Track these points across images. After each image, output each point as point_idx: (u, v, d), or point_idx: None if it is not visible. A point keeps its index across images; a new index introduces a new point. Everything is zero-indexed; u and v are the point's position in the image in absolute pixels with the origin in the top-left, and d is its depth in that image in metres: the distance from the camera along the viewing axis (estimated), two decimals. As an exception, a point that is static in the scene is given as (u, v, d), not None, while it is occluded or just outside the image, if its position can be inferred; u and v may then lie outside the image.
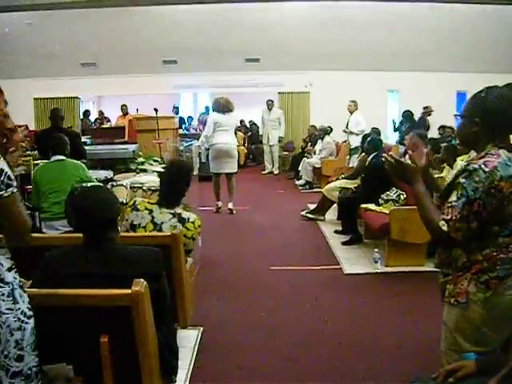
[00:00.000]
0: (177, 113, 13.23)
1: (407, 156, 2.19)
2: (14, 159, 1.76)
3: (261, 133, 11.78)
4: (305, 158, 9.67)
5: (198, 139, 8.17)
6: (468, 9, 8.91)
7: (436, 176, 2.92)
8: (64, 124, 6.21)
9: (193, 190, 3.28)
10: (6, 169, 1.57)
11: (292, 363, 3.05)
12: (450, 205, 1.73)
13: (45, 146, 4.57)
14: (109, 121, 12.33)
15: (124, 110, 10.75)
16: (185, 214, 3.08)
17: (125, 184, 4.98)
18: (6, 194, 1.54)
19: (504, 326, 1.73)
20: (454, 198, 1.73)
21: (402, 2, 8.83)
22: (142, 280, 1.84)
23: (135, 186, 5.00)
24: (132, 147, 7.42)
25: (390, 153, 1.93)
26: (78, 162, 4.36)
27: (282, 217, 7.01)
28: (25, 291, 1.66)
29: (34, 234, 2.37)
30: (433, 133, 8.70)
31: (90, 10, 8.73)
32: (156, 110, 7.59)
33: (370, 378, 2.86)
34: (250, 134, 13.56)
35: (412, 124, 9.30)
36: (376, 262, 4.67)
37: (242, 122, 13.41)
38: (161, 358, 2.03)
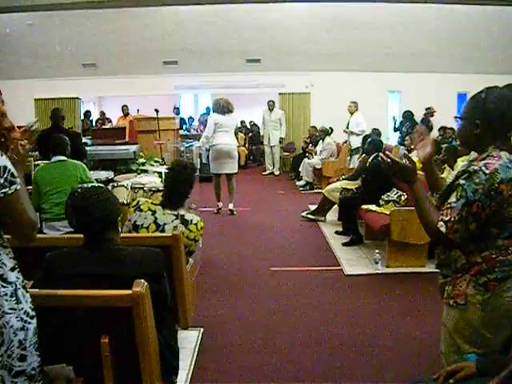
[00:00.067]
0: (177, 113, 13.22)
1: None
2: (22, 152, 1.76)
3: (262, 133, 11.78)
4: (305, 159, 9.67)
5: (198, 140, 8.17)
6: (468, 10, 8.90)
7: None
8: (65, 125, 6.21)
9: (193, 190, 3.28)
10: (9, 166, 1.56)
11: (292, 364, 3.05)
12: (449, 206, 1.73)
13: (45, 146, 4.57)
14: (110, 121, 12.34)
15: (125, 110, 10.77)
16: (188, 216, 3.09)
17: (125, 185, 4.99)
18: (9, 192, 1.53)
19: (502, 328, 1.72)
20: (453, 199, 1.73)
21: (402, 3, 8.83)
22: (142, 281, 1.84)
23: (136, 186, 5.00)
24: (133, 148, 7.41)
25: (387, 152, 1.91)
26: (79, 162, 4.36)
27: (283, 217, 7.02)
28: (27, 291, 1.66)
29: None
30: (433, 134, 8.71)
31: (91, 10, 8.73)
32: (157, 110, 7.60)
33: (370, 379, 2.86)
34: (250, 134, 13.56)
35: (413, 124, 9.31)
36: (377, 263, 4.67)
37: (242, 122, 13.41)
38: (161, 358, 2.02)
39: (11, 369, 1.57)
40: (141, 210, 3.08)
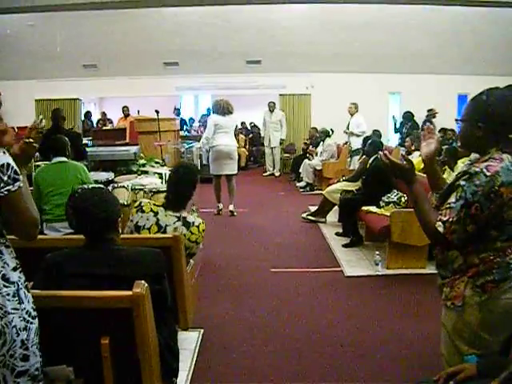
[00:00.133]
0: (178, 114, 13.23)
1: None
2: (31, 151, 1.77)
3: (262, 135, 11.77)
4: (306, 160, 9.67)
5: (199, 141, 8.17)
6: (469, 11, 8.91)
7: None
8: (65, 125, 6.21)
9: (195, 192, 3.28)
10: (12, 163, 1.55)
11: (292, 365, 3.05)
12: (448, 206, 1.72)
13: (46, 147, 4.56)
14: (111, 122, 12.34)
15: (125, 111, 10.76)
16: (190, 218, 3.08)
17: (126, 186, 4.98)
18: (13, 189, 1.53)
19: (501, 330, 1.72)
20: (452, 199, 1.72)
21: (403, 4, 8.84)
22: (142, 282, 1.84)
23: (136, 187, 5.00)
24: (133, 149, 7.41)
25: (385, 151, 1.91)
26: (79, 163, 4.36)
27: (283, 219, 7.02)
28: (29, 291, 1.66)
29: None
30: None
31: (92, 11, 8.74)
32: (157, 111, 7.59)
33: (370, 380, 2.86)
34: (251, 136, 13.57)
35: (413, 124, 9.30)
36: (377, 265, 4.67)
37: (243, 123, 13.42)
38: (161, 359, 2.02)
39: (13, 369, 1.57)
40: (143, 211, 3.08)
